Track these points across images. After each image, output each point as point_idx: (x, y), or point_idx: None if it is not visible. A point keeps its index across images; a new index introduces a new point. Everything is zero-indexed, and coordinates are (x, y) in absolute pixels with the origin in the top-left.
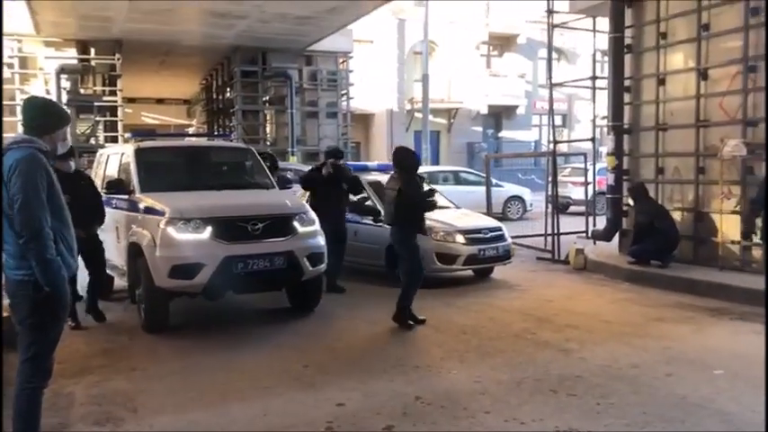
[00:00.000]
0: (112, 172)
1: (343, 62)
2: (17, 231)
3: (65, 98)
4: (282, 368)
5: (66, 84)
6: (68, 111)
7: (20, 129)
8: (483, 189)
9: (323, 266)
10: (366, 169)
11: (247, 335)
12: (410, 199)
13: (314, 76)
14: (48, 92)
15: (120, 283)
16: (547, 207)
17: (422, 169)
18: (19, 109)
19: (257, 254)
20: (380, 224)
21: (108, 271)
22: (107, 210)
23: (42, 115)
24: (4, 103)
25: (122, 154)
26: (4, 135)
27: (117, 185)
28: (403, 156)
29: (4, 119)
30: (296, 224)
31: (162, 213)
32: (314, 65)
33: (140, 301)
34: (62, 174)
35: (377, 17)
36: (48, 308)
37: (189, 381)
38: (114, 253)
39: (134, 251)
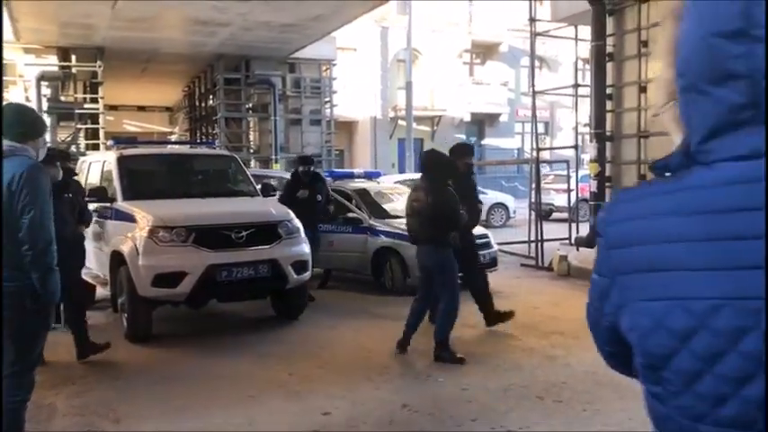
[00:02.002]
0: (94, 180)
1: (327, 70)
2: (25, 241)
3: (45, 105)
4: (267, 377)
5: (46, 91)
6: (48, 118)
7: None
8: None
9: (308, 274)
10: (351, 176)
11: (231, 343)
12: (443, 211)
13: (297, 83)
14: (27, 99)
15: (102, 291)
16: (530, 214)
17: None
18: None
19: (241, 262)
20: (366, 232)
21: (90, 280)
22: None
23: (21, 123)
24: None
25: (104, 162)
26: None
27: (99, 193)
28: (432, 160)
29: None
30: (280, 232)
31: (145, 222)
32: (297, 72)
33: (123, 310)
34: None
35: (360, 25)
36: (40, 319)
37: (172, 390)
38: (96, 262)
39: (117, 260)
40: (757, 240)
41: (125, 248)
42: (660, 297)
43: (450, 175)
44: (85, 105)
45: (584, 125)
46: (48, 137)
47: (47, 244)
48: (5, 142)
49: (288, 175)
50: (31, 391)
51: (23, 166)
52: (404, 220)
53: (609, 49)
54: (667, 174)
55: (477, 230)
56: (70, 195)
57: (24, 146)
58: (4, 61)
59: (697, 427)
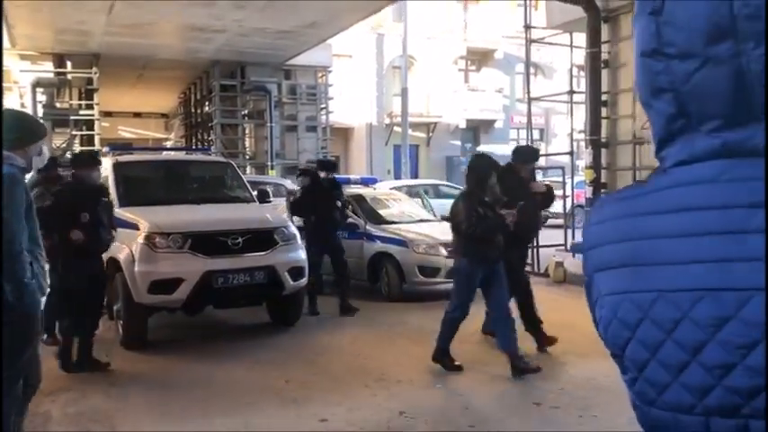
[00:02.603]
0: None
1: (323, 76)
2: None
3: (40, 112)
4: (264, 384)
5: (41, 97)
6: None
7: None
8: None
9: (304, 281)
10: (348, 182)
11: (227, 350)
12: (451, 219)
13: (293, 90)
14: (23, 105)
15: None
16: None
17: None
18: None
19: (238, 268)
20: (362, 238)
21: None
22: None
23: (15, 129)
24: None
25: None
26: None
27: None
28: (469, 165)
29: None
30: (276, 238)
31: (140, 228)
32: (293, 79)
33: (119, 317)
34: (85, 188)
35: (356, 32)
36: (18, 330)
37: (169, 397)
38: None
39: (112, 266)
40: (707, 236)
41: (121, 255)
42: (642, 289)
43: (479, 181)
44: (81, 112)
45: (580, 132)
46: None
47: (13, 254)
48: None
49: (283, 181)
50: (15, 402)
51: None
52: (399, 226)
53: (604, 56)
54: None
55: None
56: (107, 200)
57: (9, 154)
58: None
59: (681, 418)
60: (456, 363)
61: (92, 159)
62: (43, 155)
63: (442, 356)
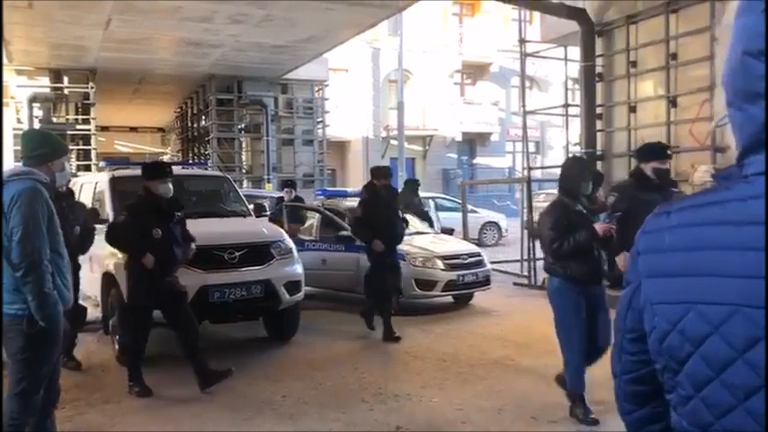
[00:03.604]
0: (86, 201)
1: (319, 90)
2: (14, 263)
3: (37, 127)
4: (260, 399)
5: (38, 112)
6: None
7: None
8: (459, 215)
9: (300, 295)
10: (345, 195)
11: (224, 365)
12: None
13: (290, 104)
14: (19, 120)
15: (93, 313)
16: (522, 233)
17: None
18: None
19: (234, 282)
20: (358, 251)
21: (80, 301)
22: None
23: (40, 146)
24: None
25: (96, 183)
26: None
27: (91, 215)
28: (566, 171)
29: None
30: (273, 252)
31: None
32: (290, 93)
33: (114, 331)
34: (155, 199)
35: (352, 46)
36: (41, 344)
37: (164, 413)
38: (87, 283)
39: (108, 281)
40: None
41: (117, 270)
42: (679, 301)
43: (570, 188)
44: (77, 127)
45: (575, 144)
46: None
47: (33, 264)
48: (12, 167)
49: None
50: (33, 415)
51: (19, 188)
52: None
53: (598, 69)
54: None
55: (468, 248)
56: (180, 215)
57: (31, 169)
58: None
59: None
60: (592, 416)
61: (162, 170)
62: (65, 171)
63: (577, 405)
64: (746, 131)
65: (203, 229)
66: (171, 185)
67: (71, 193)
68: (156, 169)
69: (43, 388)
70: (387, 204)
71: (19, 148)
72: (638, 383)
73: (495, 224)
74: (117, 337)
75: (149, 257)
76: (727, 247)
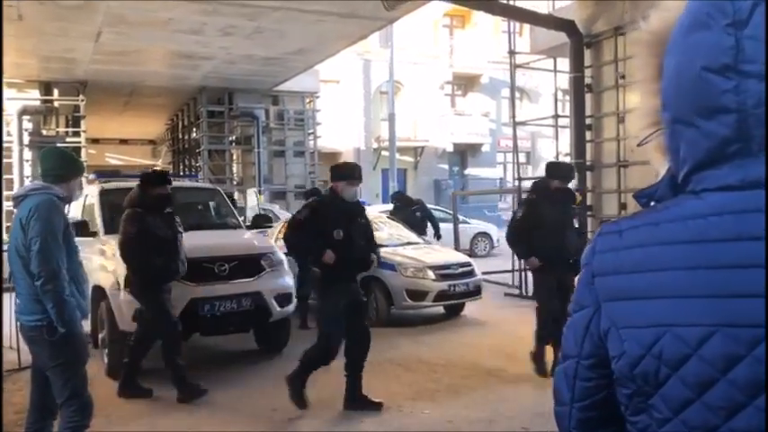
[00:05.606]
0: (76, 214)
1: (310, 102)
2: (34, 273)
3: (27, 140)
4: (251, 412)
5: (28, 125)
6: (30, 153)
7: None
8: (450, 226)
9: (291, 307)
10: None
11: (214, 378)
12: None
13: (281, 115)
14: (9, 133)
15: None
16: None
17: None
18: None
19: (224, 295)
20: None
21: None
22: None
23: (60, 166)
24: None
25: (86, 195)
26: (25, 183)
27: (80, 227)
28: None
29: None
30: (263, 264)
31: None
32: (281, 105)
33: (104, 345)
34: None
35: (343, 58)
36: (67, 348)
37: (155, 426)
38: None
39: (97, 294)
40: (751, 269)
41: (106, 283)
42: (651, 324)
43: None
44: (68, 139)
45: (565, 155)
46: (29, 170)
47: (52, 273)
48: (32, 183)
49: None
50: (90, 416)
51: (36, 201)
52: (389, 249)
53: (587, 80)
54: (652, 203)
55: (460, 258)
56: (364, 221)
57: (49, 185)
58: None
59: None
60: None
61: (352, 171)
62: (82, 189)
63: None
64: (701, 147)
65: (193, 242)
66: (357, 189)
67: None
68: (347, 171)
69: (88, 386)
70: (558, 207)
71: (9, 161)
72: (591, 410)
73: (487, 235)
74: (106, 350)
75: (329, 253)
76: (696, 267)
